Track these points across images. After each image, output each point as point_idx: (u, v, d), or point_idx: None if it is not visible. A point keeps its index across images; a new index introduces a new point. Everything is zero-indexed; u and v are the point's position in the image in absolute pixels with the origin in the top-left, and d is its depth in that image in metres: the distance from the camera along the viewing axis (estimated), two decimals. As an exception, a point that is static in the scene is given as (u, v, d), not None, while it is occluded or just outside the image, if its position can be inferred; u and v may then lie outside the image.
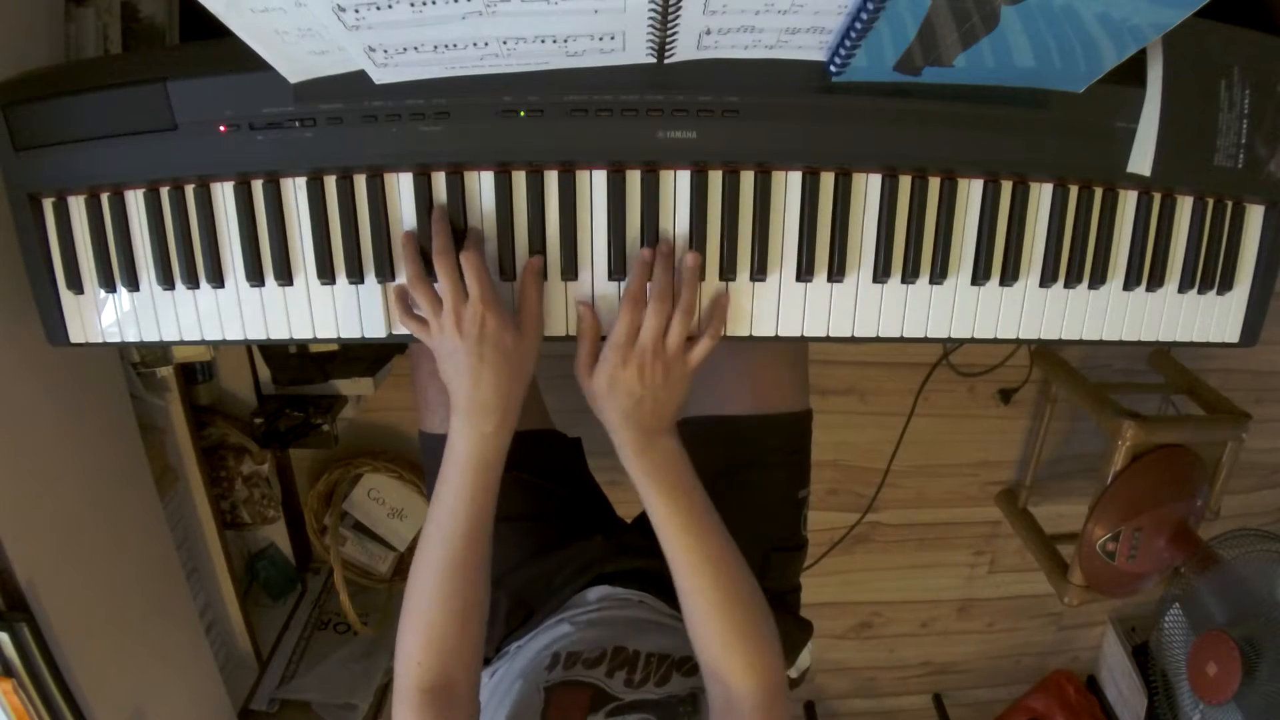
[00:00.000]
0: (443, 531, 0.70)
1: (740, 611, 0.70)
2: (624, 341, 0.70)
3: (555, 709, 0.72)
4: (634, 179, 0.72)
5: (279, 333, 0.76)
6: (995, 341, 0.81)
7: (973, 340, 0.80)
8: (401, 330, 0.75)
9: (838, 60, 0.66)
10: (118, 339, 0.78)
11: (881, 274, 0.76)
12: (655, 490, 0.71)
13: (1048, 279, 0.78)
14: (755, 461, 0.94)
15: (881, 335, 0.78)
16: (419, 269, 0.70)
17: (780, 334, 0.77)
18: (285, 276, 0.74)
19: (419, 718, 0.67)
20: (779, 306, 0.76)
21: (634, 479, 0.72)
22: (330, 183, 0.72)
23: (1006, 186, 0.75)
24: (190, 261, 0.74)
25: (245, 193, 0.72)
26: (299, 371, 1.47)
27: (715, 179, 0.72)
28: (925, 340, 0.79)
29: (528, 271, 0.72)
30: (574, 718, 0.71)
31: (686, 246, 0.73)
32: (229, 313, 0.76)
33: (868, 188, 0.74)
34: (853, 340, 0.78)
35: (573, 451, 1.03)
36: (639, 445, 0.71)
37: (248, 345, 1.42)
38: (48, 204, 0.74)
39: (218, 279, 0.74)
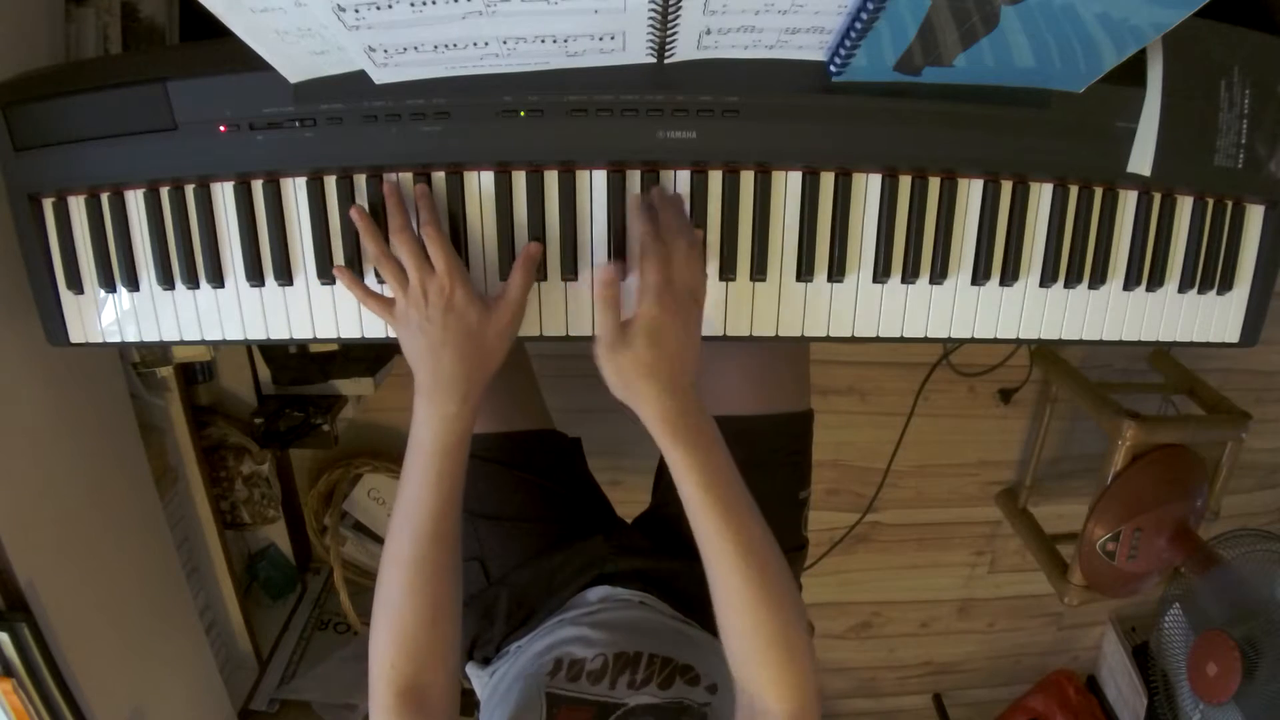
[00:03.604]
0: (410, 525, 0.67)
1: (770, 610, 0.63)
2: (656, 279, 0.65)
3: None
4: (634, 179, 0.72)
5: (279, 333, 0.76)
6: (995, 341, 0.81)
7: (973, 340, 0.80)
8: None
9: (838, 60, 0.66)
10: (118, 339, 0.78)
11: (881, 274, 0.76)
12: (683, 455, 0.65)
13: (1048, 279, 0.78)
14: (756, 462, 0.93)
15: (881, 335, 0.78)
16: (382, 246, 0.69)
17: (780, 334, 0.77)
18: (285, 276, 0.74)
19: None
20: (779, 306, 0.76)
21: (670, 450, 0.66)
22: (330, 183, 0.72)
23: (1006, 186, 0.75)
24: (190, 261, 0.74)
25: (245, 193, 0.72)
26: (299, 371, 1.47)
27: (715, 179, 0.72)
28: (925, 340, 0.79)
29: (524, 255, 0.70)
30: None
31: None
32: (229, 313, 0.76)
33: (868, 188, 0.74)
34: (853, 340, 0.78)
35: (573, 451, 1.03)
36: (676, 408, 0.64)
37: (248, 345, 1.42)
38: (48, 204, 0.74)
39: (218, 279, 0.74)
